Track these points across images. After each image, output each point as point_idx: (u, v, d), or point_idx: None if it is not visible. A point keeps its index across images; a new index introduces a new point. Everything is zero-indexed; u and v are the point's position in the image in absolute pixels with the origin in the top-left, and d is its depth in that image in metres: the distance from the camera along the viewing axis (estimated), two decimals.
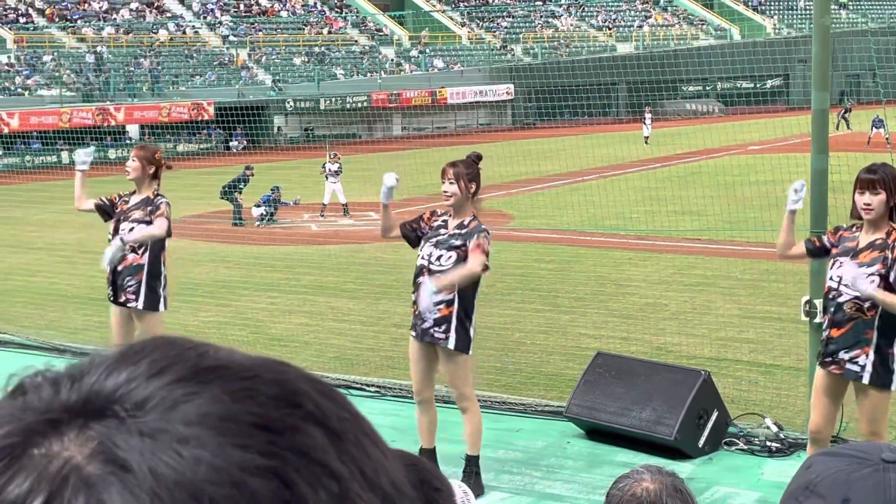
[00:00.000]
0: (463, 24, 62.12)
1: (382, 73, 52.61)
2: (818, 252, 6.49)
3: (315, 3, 60.55)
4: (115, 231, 8.33)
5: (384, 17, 59.84)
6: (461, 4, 64.55)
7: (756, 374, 10.22)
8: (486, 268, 7.02)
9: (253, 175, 24.89)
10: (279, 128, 45.47)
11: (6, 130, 38.73)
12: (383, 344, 11.51)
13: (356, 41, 57.95)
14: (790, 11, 68.36)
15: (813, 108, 7.94)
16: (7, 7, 50.70)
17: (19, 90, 44.56)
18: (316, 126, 45.06)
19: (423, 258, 7.14)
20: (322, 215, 24.83)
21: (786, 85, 47.60)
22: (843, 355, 6.19)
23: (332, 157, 25.71)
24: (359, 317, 13.40)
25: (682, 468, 7.17)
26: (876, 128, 35.37)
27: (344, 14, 60.29)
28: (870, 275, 6.07)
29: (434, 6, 63.01)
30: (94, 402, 0.55)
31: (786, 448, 7.94)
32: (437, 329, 7.08)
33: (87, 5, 53.20)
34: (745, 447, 8.00)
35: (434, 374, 7.35)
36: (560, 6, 66.36)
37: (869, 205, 6.11)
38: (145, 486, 0.51)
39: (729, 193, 20.65)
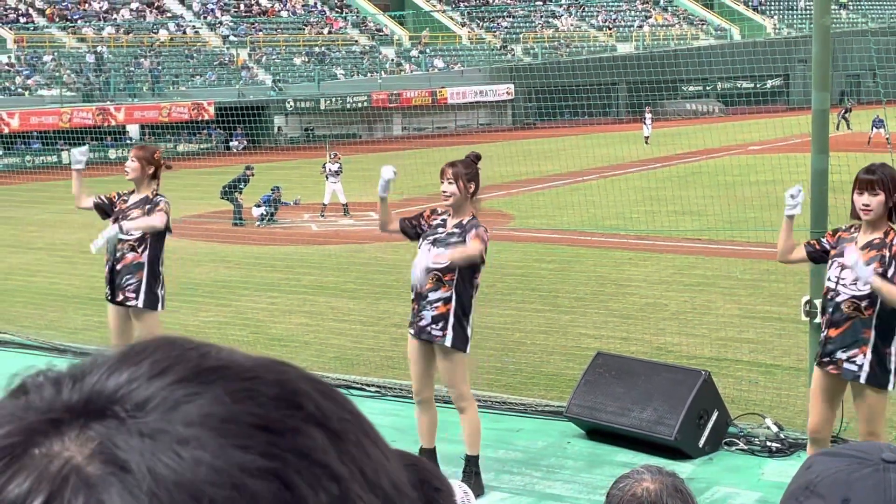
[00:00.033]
0: (463, 24, 62.12)
1: (383, 73, 52.61)
2: (818, 255, 6.50)
3: (315, 3, 60.56)
4: None
5: (384, 17, 59.85)
6: (461, 4, 64.54)
7: (756, 374, 10.22)
8: (482, 259, 7.04)
9: (253, 175, 24.89)
10: (279, 128, 45.47)
11: (6, 130, 38.73)
12: (383, 344, 11.51)
13: (356, 41, 57.95)
14: (790, 11, 68.36)
15: (813, 109, 7.94)
16: (7, 7, 50.71)
17: (19, 90, 44.56)
18: (316, 126, 45.06)
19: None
20: (322, 215, 24.83)
21: (786, 85, 47.60)
22: (840, 355, 6.20)
23: (332, 157, 25.70)
24: (359, 317, 13.40)
25: (683, 468, 7.17)
26: (876, 128, 35.37)
27: (344, 14, 60.30)
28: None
29: (434, 6, 63.01)
30: (96, 403, 0.55)
31: (786, 448, 7.94)
32: (434, 326, 7.09)
33: (87, 5, 53.21)
34: (746, 447, 8.00)
35: (433, 373, 7.35)
36: (560, 6, 66.35)
37: (867, 205, 6.12)
38: (144, 487, 0.51)
39: (729, 193, 20.65)
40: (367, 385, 9.72)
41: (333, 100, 47.01)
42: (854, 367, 6.17)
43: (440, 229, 7.17)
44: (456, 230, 7.11)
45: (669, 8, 69.63)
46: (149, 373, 0.56)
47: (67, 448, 0.53)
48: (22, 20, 50.33)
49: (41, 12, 51.57)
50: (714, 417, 7.94)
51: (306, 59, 53.90)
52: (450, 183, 7.08)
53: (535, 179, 27.44)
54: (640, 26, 65.53)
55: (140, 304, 8.24)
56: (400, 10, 61.47)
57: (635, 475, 2.88)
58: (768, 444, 7.99)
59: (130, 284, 8.23)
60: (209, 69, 50.58)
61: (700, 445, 7.86)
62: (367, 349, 11.44)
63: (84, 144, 10.00)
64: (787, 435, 8.07)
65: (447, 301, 7.06)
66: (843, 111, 42.19)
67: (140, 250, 8.25)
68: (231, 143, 43.12)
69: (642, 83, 37.99)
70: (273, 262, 18.31)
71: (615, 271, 16.27)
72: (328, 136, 39.17)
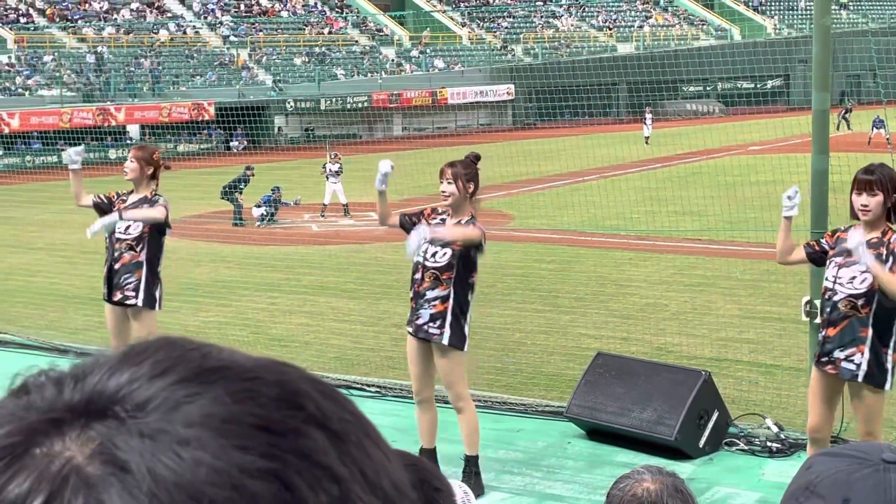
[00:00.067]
0: (463, 25, 62.13)
1: (383, 73, 52.62)
2: (817, 256, 6.51)
3: (316, 4, 60.56)
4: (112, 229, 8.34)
5: (385, 18, 59.84)
6: (462, 5, 64.55)
7: (756, 374, 10.22)
8: (480, 246, 7.04)
9: (253, 175, 24.89)
10: (280, 128, 45.47)
11: (7, 130, 38.74)
12: (384, 344, 11.52)
13: (357, 41, 57.96)
14: (791, 12, 68.36)
15: (813, 109, 7.94)
16: (8, 7, 50.71)
17: (20, 90, 44.57)
18: (316, 126, 45.06)
19: (419, 255, 7.20)
20: (322, 215, 24.83)
21: (786, 85, 47.61)
22: (838, 354, 6.21)
23: (332, 157, 25.70)
24: (359, 317, 13.40)
25: (683, 468, 7.17)
26: (876, 128, 35.37)
27: (344, 14, 60.30)
28: (863, 272, 6.10)
29: (434, 6, 63.01)
30: (97, 403, 0.55)
31: (786, 448, 7.94)
32: (431, 325, 7.10)
33: (87, 5, 53.22)
34: (746, 447, 8.00)
35: (433, 373, 7.35)
36: (560, 6, 66.36)
37: (866, 206, 6.12)
38: (144, 488, 0.51)
39: (729, 194, 20.66)
40: (368, 385, 9.72)
41: (334, 100, 47.02)
42: (852, 367, 6.17)
43: (439, 228, 7.19)
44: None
45: (670, 8, 69.64)
46: (150, 373, 0.56)
47: (68, 448, 0.53)
48: (22, 20, 50.34)
49: (41, 12, 51.58)
50: (714, 418, 7.94)
51: (307, 60, 53.90)
52: (449, 183, 7.09)
53: (535, 180, 27.44)
54: (641, 26, 65.54)
55: (140, 302, 8.24)
56: (400, 11, 61.48)
57: (636, 475, 2.88)
58: (769, 444, 8.00)
59: (129, 283, 8.23)
60: (209, 69, 50.59)
61: (700, 446, 7.86)
62: (368, 349, 11.45)
63: (80, 144, 10.03)
64: (788, 435, 8.07)
65: (445, 299, 7.08)
66: (844, 111, 42.18)
67: (138, 249, 8.25)
68: (231, 144, 43.13)
69: (642, 83, 38.01)
70: (273, 262, 18.31)
71: (615, 271, 16.27)
72: (328, 136, 39.18)
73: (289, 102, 45.93)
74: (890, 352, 6.17)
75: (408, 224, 7.35)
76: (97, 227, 8.18)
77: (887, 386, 6.21)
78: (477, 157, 7.32)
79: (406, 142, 38.00)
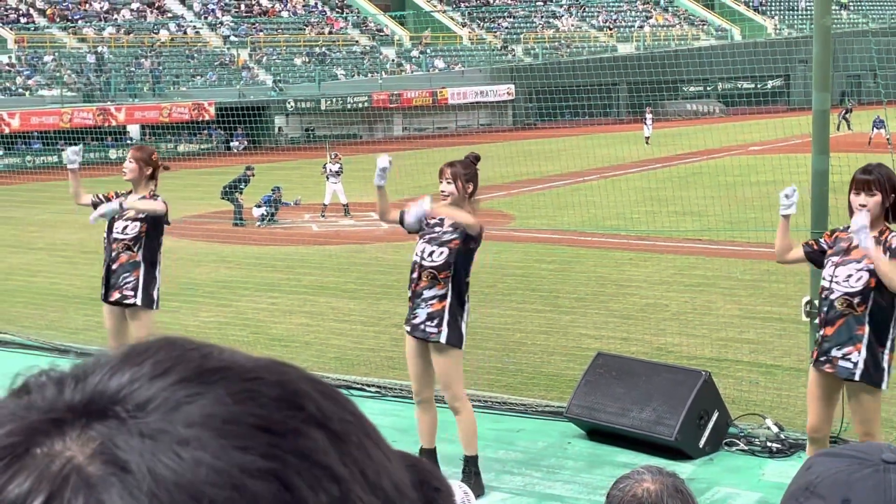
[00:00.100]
0: (464, 25, 62.13)
1: (383, 73, 52.62)
2: (816, 255, 6.51)
3: (316, 4, 60.57)
4: (109, 230, 8.36)
5: (385, 18, 59.84)
6: (462, 5, 64.55)
7: (757, 374, 10.22)
8: (478, 238, 7.05)
9: (254, 175, 24.90)
10: (280, 128, 45.48)
11: (7, 130, 38.74)
12: (384, 344, 11.52)
13: (357, 41, 57.96)
14: (791, 12, 68.36)
15: (814, 109, 7.94)
16: (8, 7, 50.72)
17: (20, 90, 44.58)
18: (317, 126, 45.07)
19: (416, 254, 7.24)
20: (323, 216, 24.83)
21: (786, 85, 47.61)
22: (835, 353, 6.22)
23: (332, 157, 25.70)
24: (359, 317, 13.40)
25: (683, 469, 7.17)
26: (877, 128, 35.36)
27: (345, 14, 60.30)
28: (859, 270, 6.11)
29: (435, 6, 63.02)
30: (98, 403, 0.55)
31: (786, 449, 7.94)
32: (428, 324, 7.11)
33: (87, 5, 53.22)
34: (746, 448, 8.00)
35: (432, 373, 7.36)
36: (561, 6, 66.36)
37: (864, 206, 6.13)
38: (145, 488, 0.51)
39: (730, 194, 20.66)
40: (368, 385, 9.72)
41: (334, 100, 47.02)
42: (849, 365, 6.18)
43: (437, 228, 7.21)
44: (450, 229, 7.15)
45: (670, 8, 69.63)
46: (151, 373, 0.56)
47: (69, 448, 0.53)
48: (23, 20, 50.34)
49: (42, 12, 51.59)
50: (714, 418, 7.94)
51: (307, 60, 53.90)
52: (448, 183, 7.11)
53: (535, 180, 27.44)
54: (641, 27, 65.54)
55: (138, 302, 8.25)
56: (401, 11, 61.48)
57: (636, 476, 2.88)
58: (769, 444, 8.00)
59: (128, 283, 8.24)
60: (210, 69, 50.59)
61: (700, 446, 7.86)
62: (368, 349, 11.45)
63: (79, 144, 10.09)
64: (788, 435, 8.07)
65: (442, 298, 7.09)
66: (844, 112, 42.17)
67: (135, 249, 8.27)
68: (231, 144, 43.13)
69: (643, 83, 38.00)
70: (273, 262, 18.31)
71: (616, 272, 16.27)
72: (329, 136, 39.19)
73: (289, 102, 45.94)
74: (887, 351, 6.18)
75: None
76: (97, 214, 8.24)
77: (884, 385, 6.22)
78: (477, 158, 7.33)
79: (406, 142, 38.00)
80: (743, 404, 8.87)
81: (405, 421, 8.16)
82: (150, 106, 43.86)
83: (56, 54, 47.69)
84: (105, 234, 8.41)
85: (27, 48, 47.90)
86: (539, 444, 8.28)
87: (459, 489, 2.51)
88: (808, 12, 61.23)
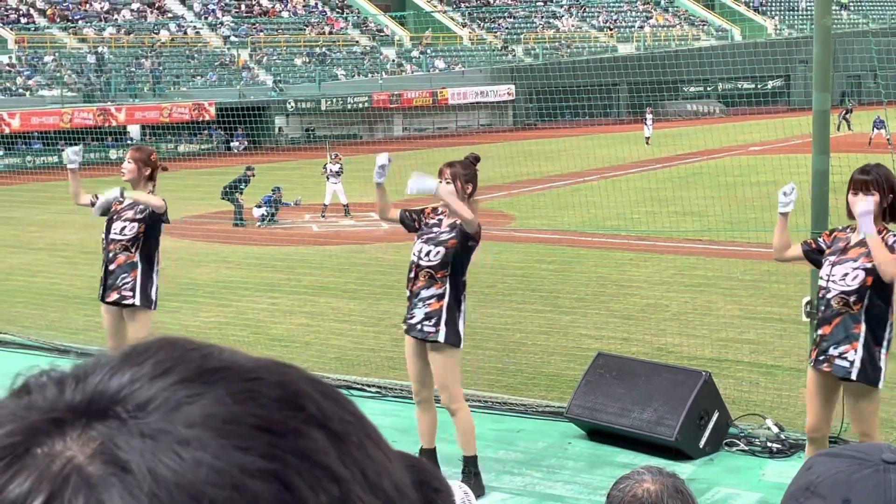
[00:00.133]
0: (464, 25, 62.13)
1: (383, 73, 52.62)
2: (813, 254, 6.52)
3: (316, 4, 60.57)
4: (107, 230, 8.37)
5: (385, 18, 59.85)
6: (462, 5, 64.55)
7: (757, 374, 10.22)
8: (475, 237, 7.05)
9: (254, 175, 24.90)
10: (280, 128, 45.48)
11: (7, 131, 38.74)
12: (384, 344, 11.52)
13: (357, 42, 57.96)
14: (791, 12, 68.36)
15: (814, 109, 7.94)
16: (8, 7, 50.73)
17: (20, 90, 44.58)
18: (317, 126, 45.06)
19: (414, 254, 7.25)
20: (323, 216, 24.83)
21: (787, 86, 47.61)
22: (832, 351, 6.22)
23: (333, 157, 25.70)
24: (360, 317, 13.40)
25: (683, 469, 7.17)
26: (877, 128, 35.35)
27: (345, 14, 60.31)
28: (855, 269, 6.12)
29: (435, 7, 63.02)
30: (98, 403, 0.55)
31: (787, 449, 7.94)
32: (426, 323, 7.11)
33: (88, 6, 53.23)
34: (746, 448, 8.00)
35: (431, 373, 7.36)
36: (561, 7, 66.36)
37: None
38: (145, 488, 0.51)
39: (730, 194, 20.66)
40: (368, 386, 9.72)
41: (334, 100, 47.02)
42: (846, 364, 6.18)
43: (435, 228, 7.21)
44: (447, 229, 7.15)
45: (670, 9, 69.64)
46: (151, 373, 0.56)
47: (69, 448, 0.53)
48: (23, 21, 50.35)
49: (42, 13, 51.59)
50: (715, 418, 7.94)
51: (307, 60, 53.91)
52: (448, 183, 7.10)
53: (535, 180, 27.44)
54: (641, 27, 65.54)
55: (137, 302, 8.25)
56: (401, 11, 61.49)
57: (636, 476, 2.88)
58: (769, 444, 8.00)
59: (126, 283, 8.25)
60: (210, 70, 50.60)
61: (701, 446, 7.86)
62: (368, 350, 11.45)
63: (78, 144, 10.13)
64: (788, 436, 8.07)
65: (440, 297, 7.09)
66: (844, 112, 42.17)
67: (133, 250, 8.27)
68: (232, 144, 43.13)
69: (643, 84, 37.99)
70: (274, 262, 18.31)
71: (616, 272, 16.27)
72: (329, 136, 39.17)
73: (289, 103, 45.94)
74: (883, 350, 6.18)
75: (408, 220, 7.37)
76: (99, 204, 8.32)
77: (880, 384, 6.22)
78: (476, 158, 7.33)
79: (406, 142, 37.98)
80: (743, 404, 8.87)
81: (405, 421, 8.16)
82: (150, 106, 43.87)
83: (56, 54, 47.69)
84: (103, 235, 8.42)
85: (27, 48, 47.91)
86: (539, 445, 8.28)
87: (459, 489, 2.51)
88: (809, 12, 61.23)
